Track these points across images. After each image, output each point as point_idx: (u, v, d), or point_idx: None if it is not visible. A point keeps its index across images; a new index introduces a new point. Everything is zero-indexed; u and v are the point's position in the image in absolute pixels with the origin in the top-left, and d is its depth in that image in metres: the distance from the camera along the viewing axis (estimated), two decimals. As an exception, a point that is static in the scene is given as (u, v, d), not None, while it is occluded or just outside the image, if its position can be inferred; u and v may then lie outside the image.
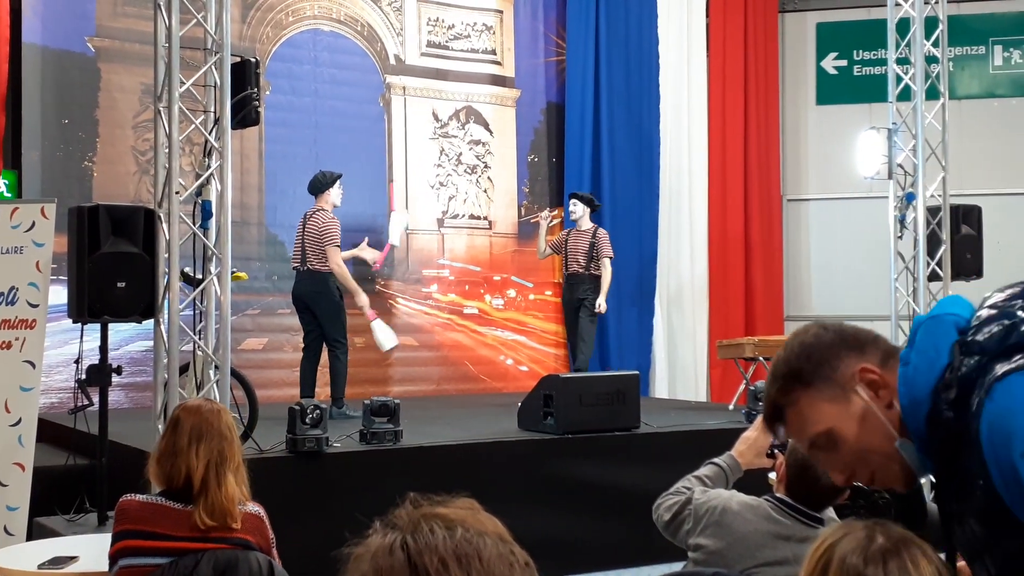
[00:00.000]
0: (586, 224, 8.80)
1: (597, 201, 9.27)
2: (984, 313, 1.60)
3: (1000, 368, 1.51)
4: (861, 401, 1.66)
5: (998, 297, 1.62)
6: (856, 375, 1.67)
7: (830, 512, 2.85)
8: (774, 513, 2.84)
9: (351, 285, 7.59)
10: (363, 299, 7.71)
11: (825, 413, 1.67)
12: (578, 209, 8.82)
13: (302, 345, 7.69)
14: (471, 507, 1.12)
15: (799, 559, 1.55)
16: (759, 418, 2.33)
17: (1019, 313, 1.55)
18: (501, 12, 10.68)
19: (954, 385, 1.56)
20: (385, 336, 7.96)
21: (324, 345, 7.56)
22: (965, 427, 1.53)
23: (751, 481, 3.12)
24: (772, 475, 3.08)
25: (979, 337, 1.56)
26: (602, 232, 8.78)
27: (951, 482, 1.60)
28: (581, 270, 8.70)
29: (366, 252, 8.31)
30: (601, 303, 8.62)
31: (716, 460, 3.12)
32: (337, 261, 7.47)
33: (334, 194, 7.65)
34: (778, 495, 2.88)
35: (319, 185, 7.66)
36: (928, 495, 1.81)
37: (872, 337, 1.72)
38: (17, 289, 5.34)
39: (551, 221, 9.38)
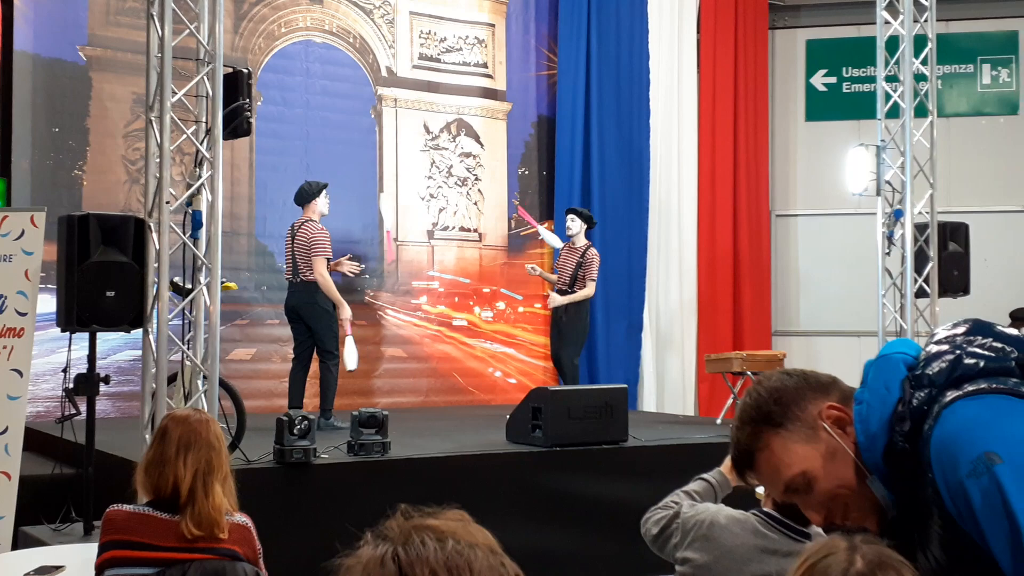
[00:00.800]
0: (580, 241, 8.48)
1: (595, 219, 9.07)
2: (932, 348, 1.68)
3: (948, 396, 1.58)
4: (829, 438, 1.70)
5: (945, 333, 1.70)
6: (822, 412, 1.72)
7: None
8: (761, 527, 2.85)
9: (335, 296, 7.48)
10: (347, 312, 7.57)
11: (798, 455, 1.71)
12: (575, 225, 8.48)
13: (291, 356, 7.66)
14: (461, 519, 1.13)
15: (785, 573, 1.56)
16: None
17: (965, 347, 1.63)
18: (493, 26, 10.71)
19: (907, 417, 1.62)
20: (352, 357, 7.77)
21: (314, 356, 7.54)
22: (918, 456, 1.59)
23: (740, 496, 3.12)
24: (760, 490, 3.08)
25: (928, 371, 1.63)
26: (592, 252, 8.40)
27: (912, 512, 1.64)
28: (565, 288, 8.41)
29: (343, 266, 8.07)
30: (555, 297, 8.37)
31: (705, 476, 3.12)
32: (322, 271, 7.40)
33: (321, 203, 7.61)
34: (765, 509, 2.89)
35: (305, 195, 7.61)
36: None
37: (831, 379, 1.79)
38: (5, 297, 5.33)
39: (535, 269, 8.99)
